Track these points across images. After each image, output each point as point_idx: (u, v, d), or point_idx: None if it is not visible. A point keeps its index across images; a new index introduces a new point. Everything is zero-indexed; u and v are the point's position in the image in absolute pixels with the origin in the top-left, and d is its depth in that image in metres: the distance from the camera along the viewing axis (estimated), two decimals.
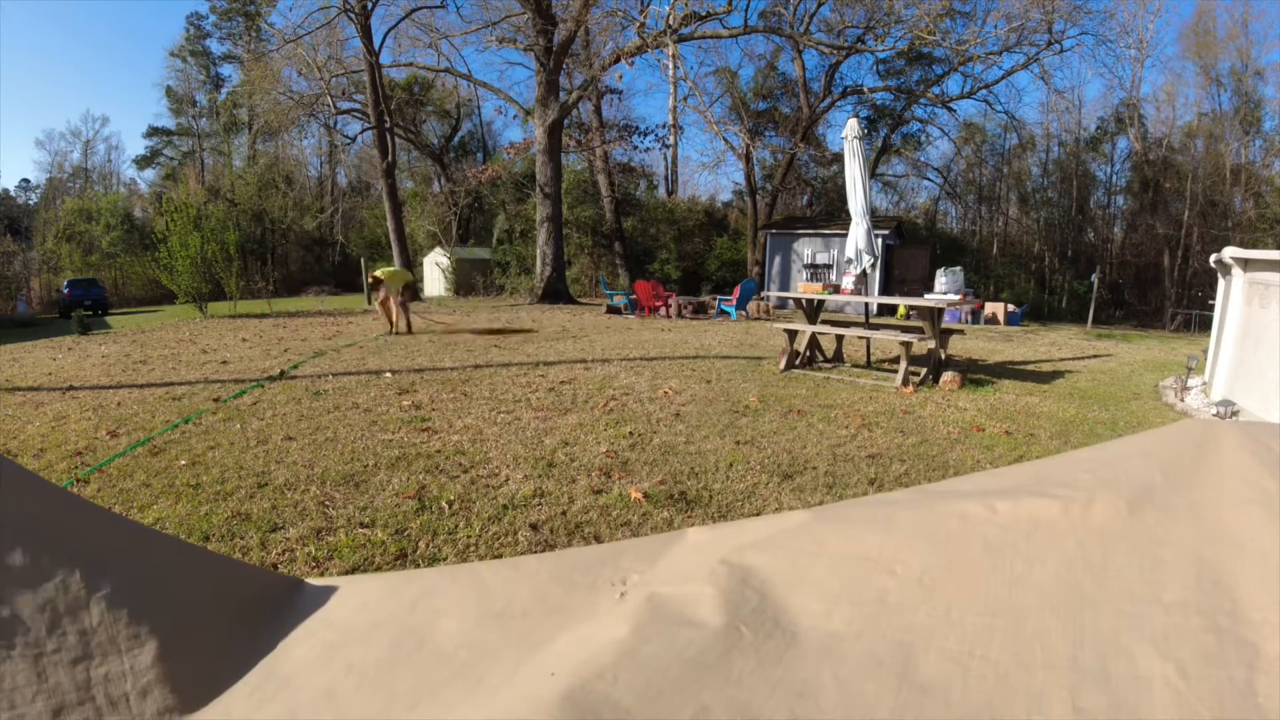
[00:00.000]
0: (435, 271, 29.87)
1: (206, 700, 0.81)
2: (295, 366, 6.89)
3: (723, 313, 14.79)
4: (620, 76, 19.94)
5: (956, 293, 9.26)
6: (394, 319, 10.70)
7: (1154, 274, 29.08)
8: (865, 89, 25.33)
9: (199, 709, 0.80)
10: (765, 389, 5.78)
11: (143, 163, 48.11)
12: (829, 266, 19.69)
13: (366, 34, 20.59)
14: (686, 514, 2.95)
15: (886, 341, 6.95)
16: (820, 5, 20.21)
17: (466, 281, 27.41)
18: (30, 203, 46.66)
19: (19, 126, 67.12)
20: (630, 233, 26.50)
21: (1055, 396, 5.86)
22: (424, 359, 7.52)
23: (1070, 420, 4.96)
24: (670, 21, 15.82)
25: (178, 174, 44.77)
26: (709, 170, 51.58)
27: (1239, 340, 5.55)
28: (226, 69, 46.11)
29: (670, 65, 22.56)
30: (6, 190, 46.58)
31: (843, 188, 9.40)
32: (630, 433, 4.24)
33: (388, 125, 22.27)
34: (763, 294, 16.32)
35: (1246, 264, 5.59)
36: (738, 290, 14.61)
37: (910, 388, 5.91)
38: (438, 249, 30.67)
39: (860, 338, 7.26)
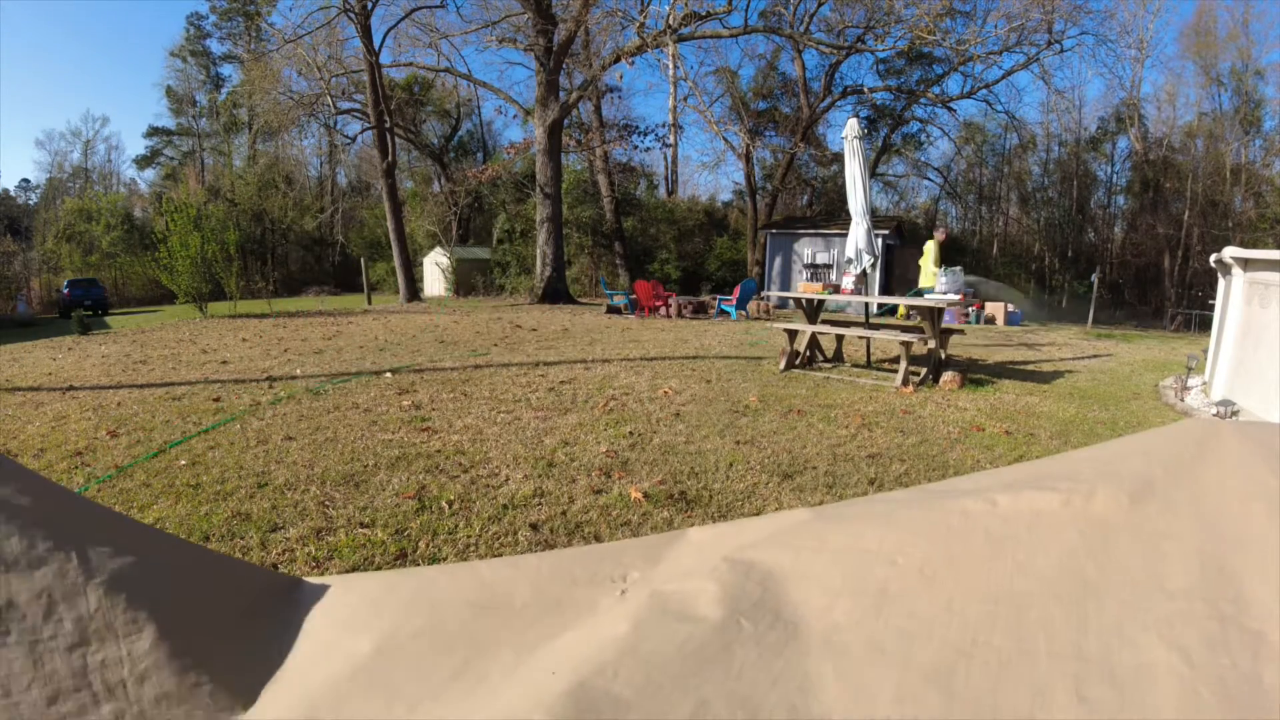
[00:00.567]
0: (435, 271, 29.88)
1: (204, 689, 0.81)
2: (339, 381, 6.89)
3: (723, 312, 14.79)
4: (620, 76, 20.03)
5: (956, 292, 9.27)
6: None
7: (1154, 274, 29.09)
8: (865, 89, 25.33)
9: (197, 699, 0.80)
10: (765, 389, 5.78)
11: (143, 163, 48.19)
12: (829, 266, 19.70)
13: (366, 34, 20.59)
14: (686, 514, 2.95)
15: (886, 341, 6.95)
16: (820, 5, 20.21)
17: (466, 281, 27.41)
18: (30, 203, 46.69)
19: (19, 126, 67.22)
20: (630, 233, 26.51)
21: (1055, 396, 5.86)
22: (424, 359, 7.52)
23: (1070, 420, 4.96)
24: (670, 21, 15.82)
25: (178, 174, 44.80)
26: (709, 170, 51.71)
27: (1239, 340, 5.55)
28: (226, 69, 46.19)
29: (670, 65, 22.59)
30: (6, 190, 46.63)
31: (843, 188, 9.40)
32: (630, 433, 4.25)
33: (388, 125, 22.26)
34: (763, 294, 16.32)
35: (1246, 264, 5.59)
36: (738, 290, 14.61)
37: (910, 387, 5.91)
38: (438, 249, 30.68)
39: (860, 338, 7.26)
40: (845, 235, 8.37)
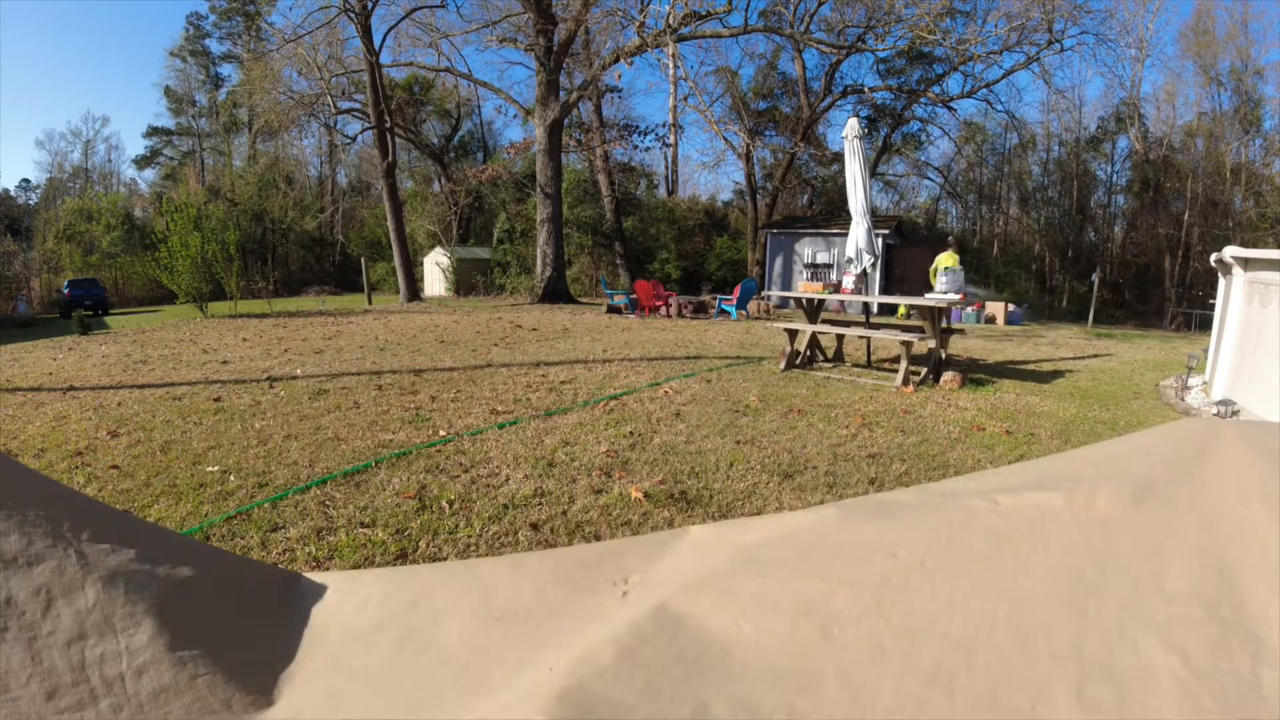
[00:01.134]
0: (435, 271, 29.89)
1: (202, 683, 0.81)
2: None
3: (723, 312, 14.79)
4: (620, 76, 20.00)
5: (957, 292, 9.26)
6: None
7: (1154, 273, 29.09)
8: (865, 88, 25.32)
9: (195, 693, 0.80)
10: (765, 389, 5.78)
11: (143, 163, 48.19)
12: (829, 266, 19.69)
13: (366, 34, 20.58)
14: (687, 513, 2.94)
15: (887, 341, 6.95)
16: (820, 4, 20.21)
17: (467, 281, 27.41)
18: (30, 203, 46.69)
19: (19, 126, 67.26)
20: (630, 232, 26.50)
21: (1056, 396, 5.86)
22: (425, 359, 7.52)
23: (1071, 420, 4.96)
24: (670, 21, 15.82)
25: (178, 174, 44.81)
26: (709, 170, 51.63)
27: (1239, 340, 5.55)
28: (226, 69, 46.17)
29: (670, 65, 22.55)
30: (6, 190, 46.62)
31: (843, 187, 9.40)
32: (630, 432, 4.24)
33: (388, 125, 22.25)
34: (763, 293, 16.32)
35: (1247, 263, 5.59)
36: (738, 290, 14.61)
37: (911, 387, 5.90)
38: (438, 248, 30.68)
39: (860, 337, 7.25)
40: (845, 235, 8.37)
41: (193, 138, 47.22)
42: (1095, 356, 9.15)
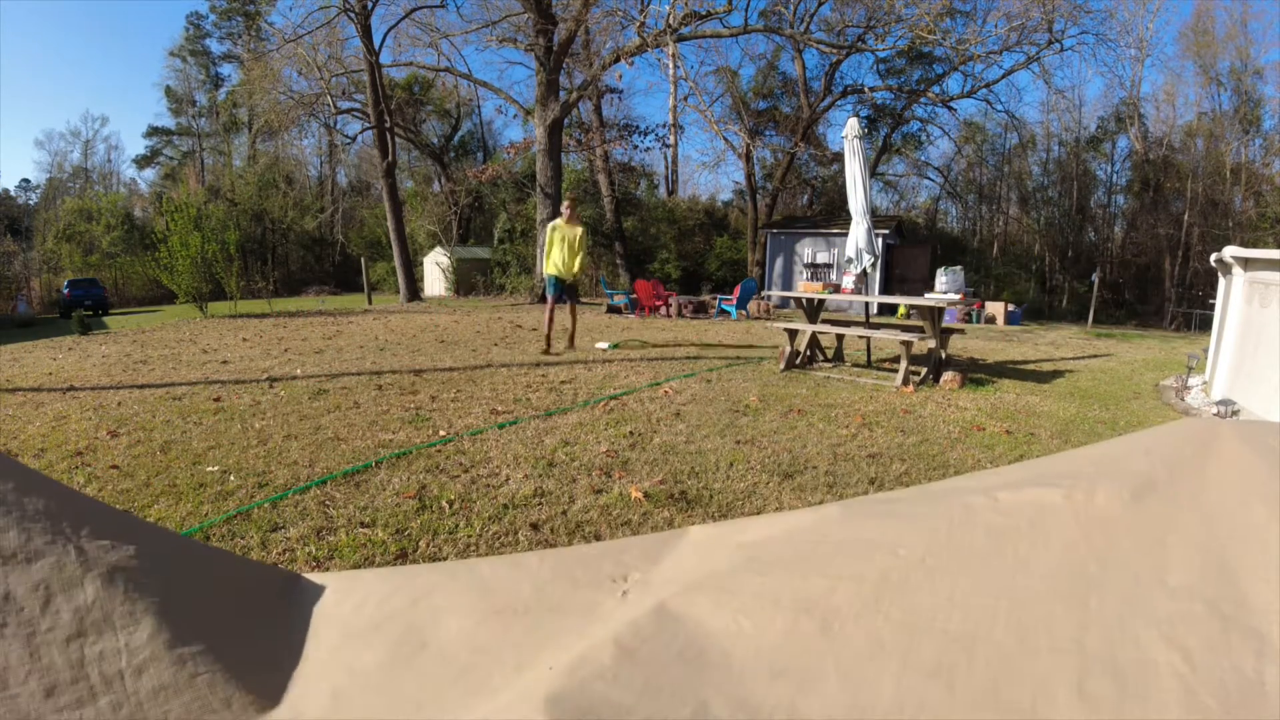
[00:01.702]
0: (435, 271, 29.90)
1: (202, 681, 0.80)
2: None
3: (723, 312, 14.79)
4: (620, 76, 19.98)
5: (957, 292, 9.26)
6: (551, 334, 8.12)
7: (1154, 273, 29.09)
8: (865, 88, 25.32)
9: (195, 691, 0.79)
10: (765, 388, 5.78)
11: (143, 163, 48.21)
12: (829, 266, 19.69)
13: (366, 33, 20.58)
14: (687, 513, 2.94)
15: (887, 341, 6.95)
16: (820, 4, 20.22)
17: (467, 281, 27.42)
18: (30, 203, 46.70)
19: (19, 126, 67.30)
20: (630, 232, 26.50)
21: (1056, 396, 5.86)
22: (425, 359, 7.52)
23: (1071, 419, 4.96)
24: (670, 21, 15.81)
25: (178, 174, 44.81)
26: (709, 170, 51.69)
27: (1239, 340, 5.55)
28: (226, 69, 46.19)
29: (670, 65, 22.58)
30: (6, 190, 46.64)
31: (843, 187, 9.40)
32: (630, 432, 4.24)
33: (388, 125, 22.25)
34: (763, 293, 16.32)
35: (1247, 263, 5.59)
36: (738, 289, 14.61)
37: (910, 387, 5.90)
38: (438, 248, 30.69)
39: (860, 337, 7.25)
40: (845, 235, 8.37)
41: (193, 138, 47.23)
42: (1095, 356, 9.15)
